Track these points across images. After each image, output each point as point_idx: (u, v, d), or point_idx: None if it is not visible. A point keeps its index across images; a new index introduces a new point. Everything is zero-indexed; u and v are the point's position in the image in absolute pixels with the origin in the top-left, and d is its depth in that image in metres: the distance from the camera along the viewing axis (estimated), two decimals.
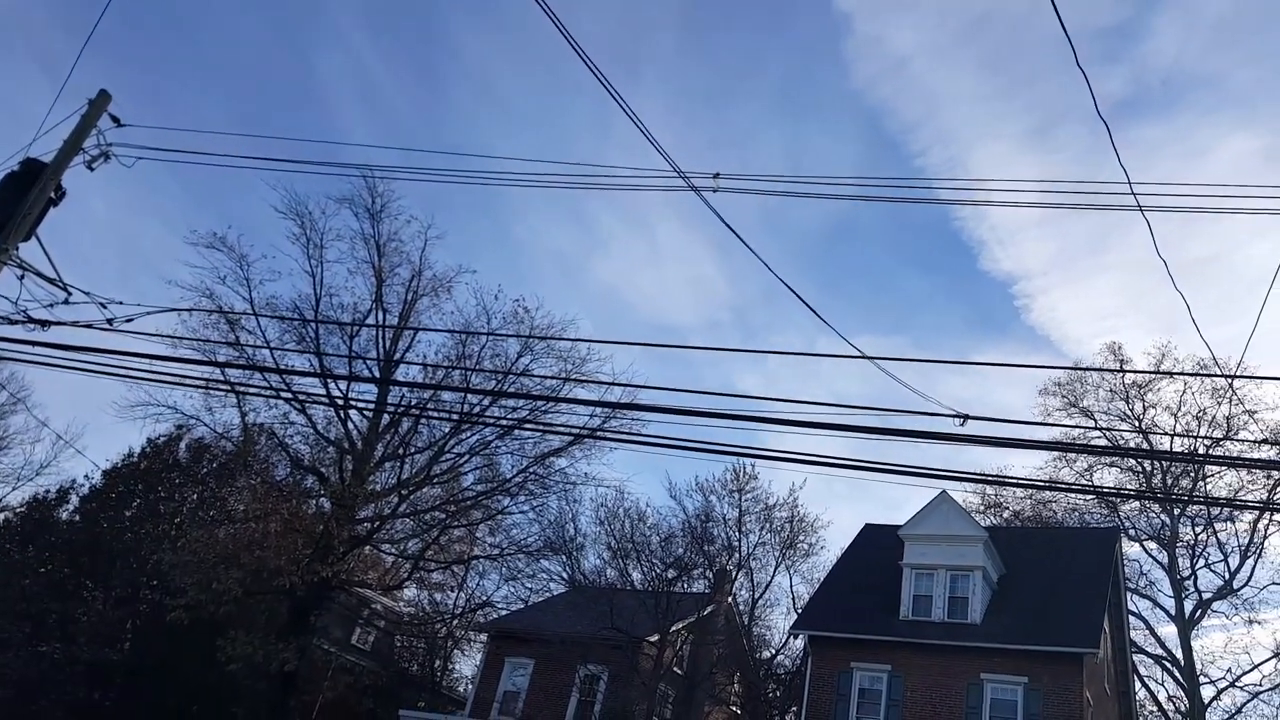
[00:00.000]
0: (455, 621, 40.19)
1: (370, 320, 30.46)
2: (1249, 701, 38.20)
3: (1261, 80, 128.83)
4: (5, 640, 31.55)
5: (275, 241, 73.99)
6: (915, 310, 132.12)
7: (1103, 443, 41.80)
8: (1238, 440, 38.15)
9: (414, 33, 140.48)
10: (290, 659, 26.61)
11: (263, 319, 29.10)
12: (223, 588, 25.77)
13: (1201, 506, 39.44)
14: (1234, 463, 37.62)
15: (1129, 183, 9.42)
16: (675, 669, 30.91)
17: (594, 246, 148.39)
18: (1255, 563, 39.43)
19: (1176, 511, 40.34)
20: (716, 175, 10.61)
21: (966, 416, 9.17)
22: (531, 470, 31.12)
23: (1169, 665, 39.56)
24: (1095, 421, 43.00)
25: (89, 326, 11.25)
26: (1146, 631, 40.30)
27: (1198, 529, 40.58)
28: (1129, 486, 41.86)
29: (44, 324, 10.83)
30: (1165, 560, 40.92)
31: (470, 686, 35.60)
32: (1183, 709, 38.71)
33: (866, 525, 32.94)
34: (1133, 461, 41.63)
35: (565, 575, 32.46)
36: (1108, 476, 42.47)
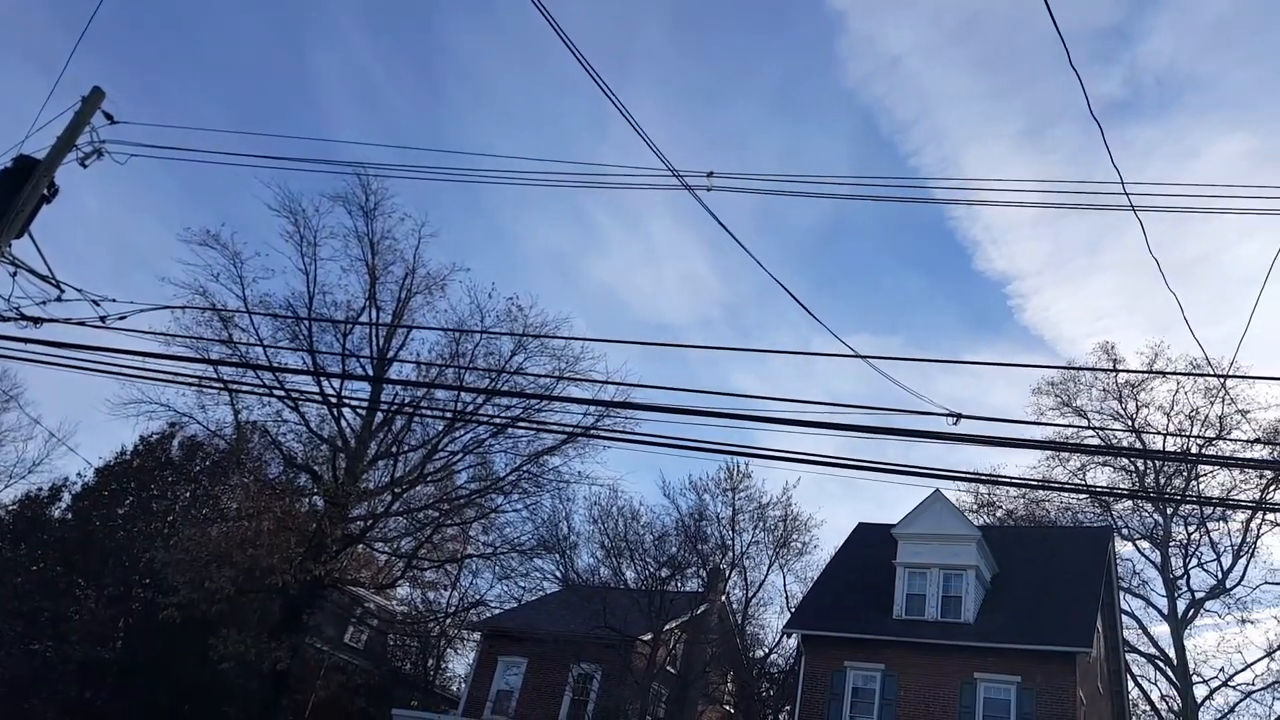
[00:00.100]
0: (448, 620, 40.19)
1: (364, 318, 30.44)
2: (1241, 701, 38.33)
3: (1255, 82, 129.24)
4: None
5: (269, 239, 74.04)
6: (909, 310, 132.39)
7: (1096, 442, 41.89)
8: (1230, 440, 38.21)
9: (410, 31, 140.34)
10: (283, 658, 26.57)
11: (256, 317, 29.10)
12: (215, 586, 25.72)
13: (1194, 506, 39.52)
14: (1227, 462, 37.73)
15: (1122, 183, 9.45)
16: (669, 668, 30.91)
17: (588, 245, 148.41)
18: (1248, 562, 39.54)
19: (1169, 511, 40.41)
20: (710, 174, 10.61)
21: (960, 416, 9.18)
22: (525, 469, 31.15)
23: (1162, 664, 39.64)
24: (1088, 421, 43.10)
25: (82, 324, 11.22)
26: (1139, 631, 40.40)
27: (1190, 528, 40.67)
28: (1122, 486, 41.93)
29: (37, 321, 10.80)
30: (1158, 559, 41.00)
31: (463, 685, 35.56)
32: (1175, 708, 38.79)
33: (860, 524, 32.96)
34: (1126, 461, 41.72)
35: (559, 574, 32.50)
36: (1101, 476, 42.58)
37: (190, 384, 24.67)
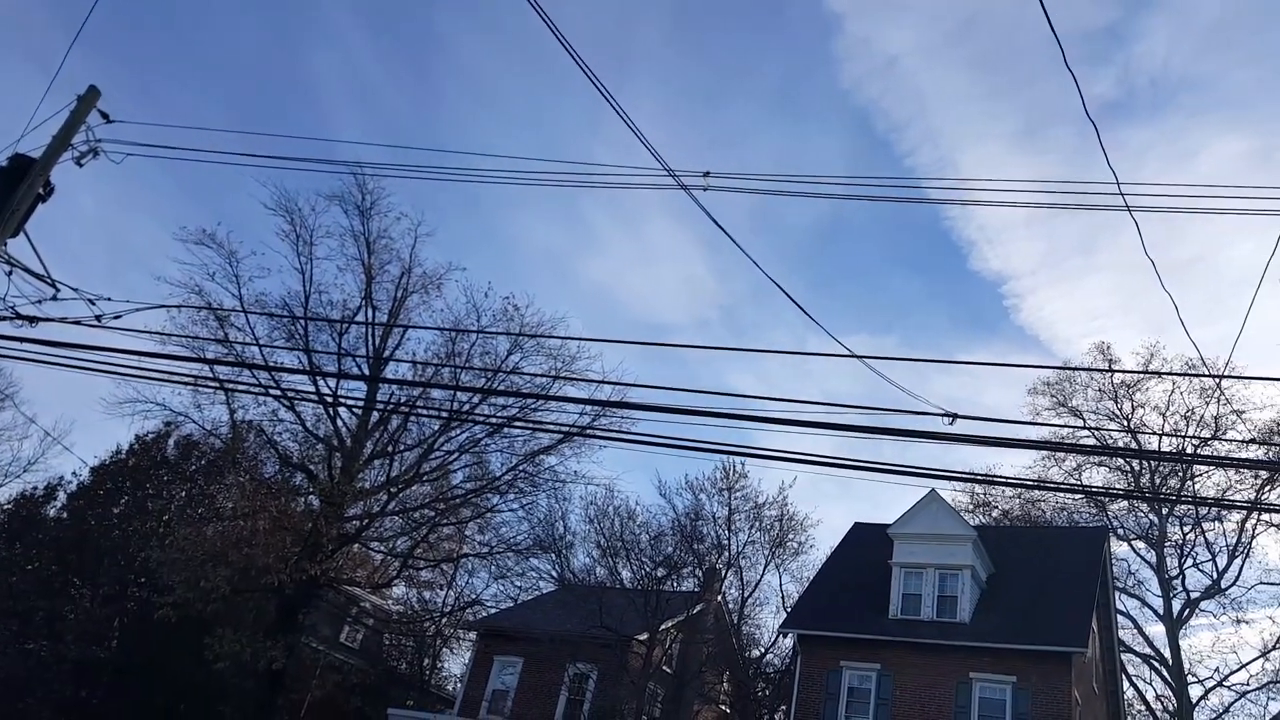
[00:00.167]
0: (444, 620, 40.14)
1: (360, 317, 30.42)
2: (1236, 701, 38.40)
3: (1250, 83, 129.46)
4: None
5: (265, 238, 73.83)
6: (905, 310, 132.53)
7: (1091, 442, 41.96)
8: (1226, 440, 38.33)
9: (407, 30, 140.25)
10: (278, 657, 26.52)
11: (252, 316, 29.04)
12: (211, 585, 25.67)
13: (1190, 506, 39.61)
14: (1222, 462, 37.83)
15: (1117, 183, 9.46)
16: (664, 668, 30.91)
17: (584, 244, 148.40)
18: (1243, 562, 39.63)
19: (1165, 511, 40.48)
20: (707, 174, 10.61)
21: (955, 416, 9.19)
22: (521, 468, 31.13)
23: (1157, 664, 39.73)
24: (1084, 421, 43.17)
25: (77, 323, 11.20)
26: (1134, 631, 40.49)
27: (1186, 529, 40.76)
28: (1117, 486, 41.98)
29: (32, 320, 10.78)
30: (1153, 560, 41.06)
31: (459, 685, 35.53)
32: (1170, 708, 38.87)
33: (856, 524, 32.98)
34: (1121, 461, 41.78)
35: (554, 573, 32.46)
36: (1096, 476, 42.66)
37: (186, 383, 24.65)
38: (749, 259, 11.45)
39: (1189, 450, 37.58)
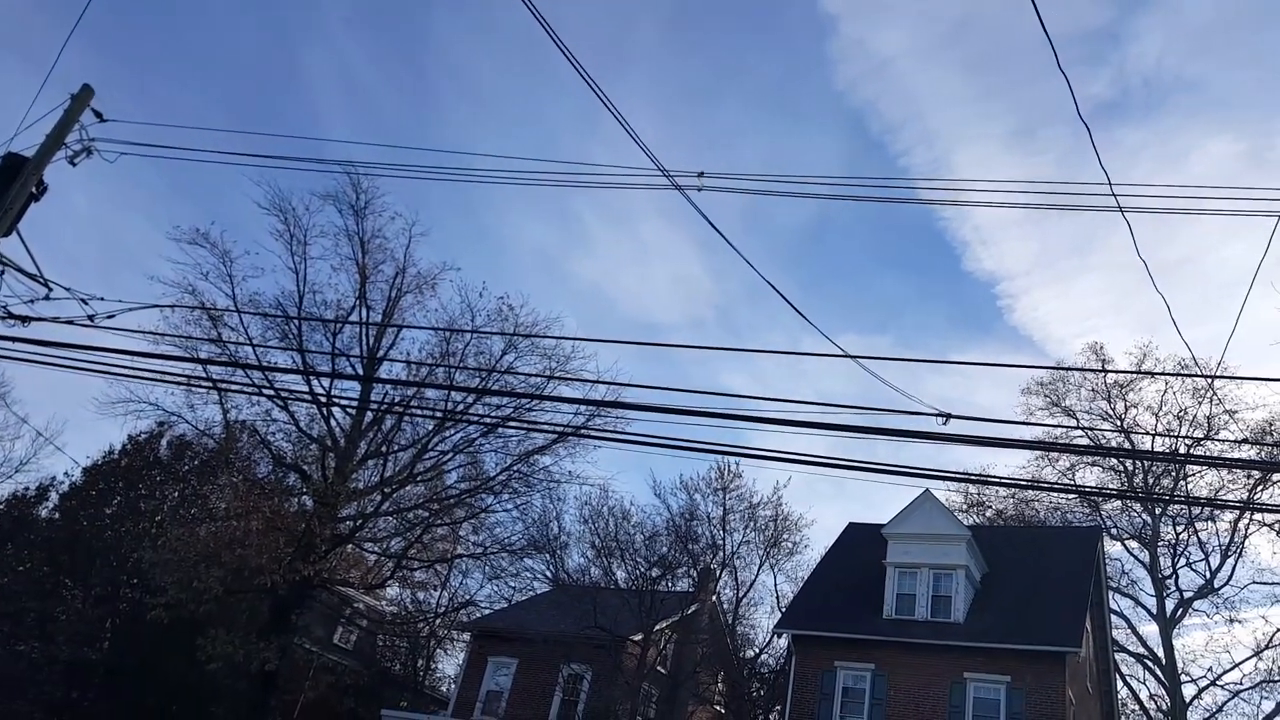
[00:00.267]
0: (438, 620, 40.09)
1: (354, 317, 30.36)
2: (1229, 700, 38.48)
3: (1242, 84, 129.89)
4: None
5: (258, 238, 73.80)
6: (899, 310, 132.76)
7: (1085, 442, 42.03)
8: (1218, 440, 38.39)
9: (400, 30, 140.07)
10: (271, 658, 26.45)
11: (245, 315, 28.95)
12: (203, 586, 25.59)
13: (1183, 506, 39.63)
14: (1214, 462, 37.84)
15: (1110, 184, 9.48)
16: (659, 668, 30.89)
17: (578, 244, 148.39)
18: (1236, 562, 39.72)
19: (1158, 511, 40.56)
20: (701, 174, 10.61)
21: (949, 416, 9.20)
22: (515, 468, 31.10)
23: (1150, 664, 39.80)
24: (1077, 421, 43.27)
25: (70, 323, 11.17)
26: (1128, 630, 40.55)
27: (1179, 528, 40.83)
28: (1111, 486, 42.07)
29: (24, 320, 10.75)
30: (1147, 559, 41.16)
31: (453, 686, 35.51)
32: (1164, 707, 38.93)
33: (850, 524, 33.00)
34: (1114, 461, 41.84)
35: (549, 574, 32.43)
36: (1090, 476, 42.74)
37: (179, 383, 24.48)
38: (744, 260, 11.45)
39: (1182, 450, 37.65)
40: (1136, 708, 39.69)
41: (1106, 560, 33.16)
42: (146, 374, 11.75)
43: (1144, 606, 41.05)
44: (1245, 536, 39.44)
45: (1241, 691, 38.06)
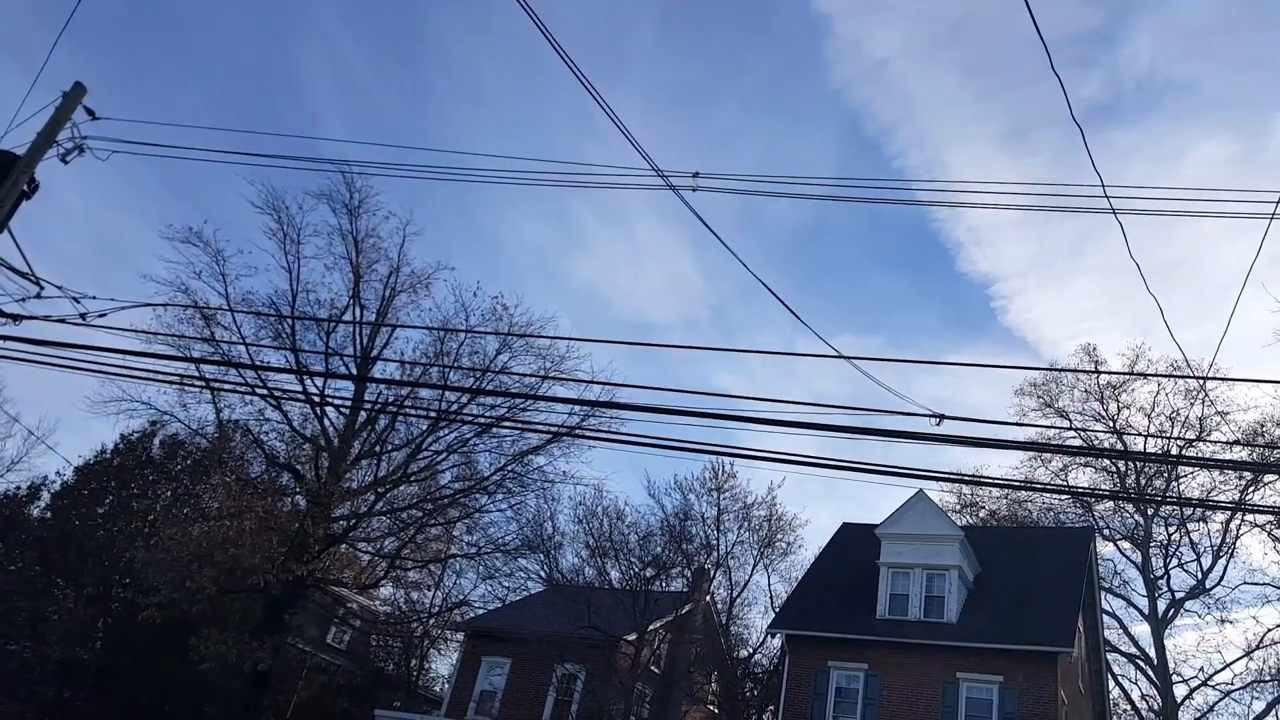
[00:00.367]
0: (431, 620, 40.05)
1: (347, 316, 30.27)
2: (1221, 700, 38.63)
3: (1235, 86, 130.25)
4: None
5: (252, 237, 73.71)
6: (892, 310, 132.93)
7: (1077, 443, 42.12)
8: (1210, 441, 38.55)
9: (396, 28, 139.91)
10: (264, 658, 26.39)
11: (238, 315, 28.88)
12: (196, 586, 25.50)
13: (1174, 507, 39.81)
14: (1206, 463, 37.99)
15: (1103, 186, 9.49)
16: (653, 668, 30.90)
17: (573, 244, 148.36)
18: (1227, 562, 39.88)
19: (1150, 511, 40.68)
20: (696, 174, 10.62)
21: (942, 416, 9.22)
22: (509, 468, 31.06)
23: (1142, 664, 39.90)
24: (1070, 422, 43.38)
25: (62, 321, 11.13)
26: (1120, 630, 40.67)
27: (1171, 529, 40.96)
28: (1103, 486, 42.19)
29: (16, 318, 10.71)
30: (1139, 560, 41.26)
31: (446, 686, 35.45)
32: (1156, 707, 39.05)
33: (843, 524, 33.04)
34: (1107, 462, 41.96)
35: (543, 574, 32.43)
36: (1082, 476, 42.86)
37: (172, 382, 24.46)
38: (738, 261, 11.44)
39: (1174, 451, 37.78)
40: (1128, 708, 39.81)
41: (1099, 561, 33.28)
42: (139, 373, 11.74)
43: (1136, 607, 41.24)
44: (1237, 537, 39.63)
45: (1232, 691, 38.27)
